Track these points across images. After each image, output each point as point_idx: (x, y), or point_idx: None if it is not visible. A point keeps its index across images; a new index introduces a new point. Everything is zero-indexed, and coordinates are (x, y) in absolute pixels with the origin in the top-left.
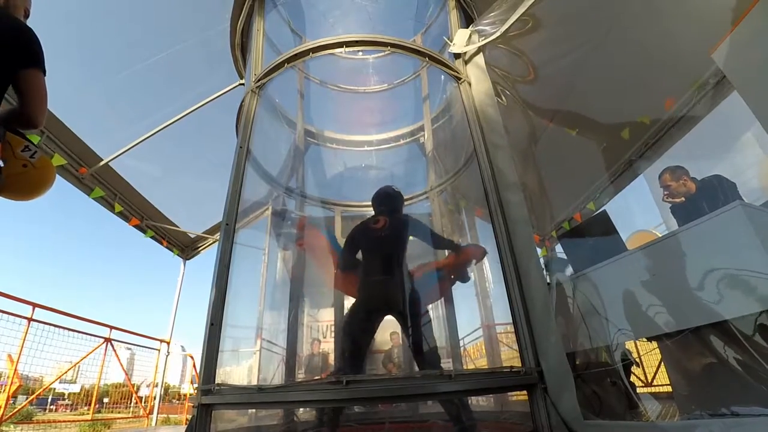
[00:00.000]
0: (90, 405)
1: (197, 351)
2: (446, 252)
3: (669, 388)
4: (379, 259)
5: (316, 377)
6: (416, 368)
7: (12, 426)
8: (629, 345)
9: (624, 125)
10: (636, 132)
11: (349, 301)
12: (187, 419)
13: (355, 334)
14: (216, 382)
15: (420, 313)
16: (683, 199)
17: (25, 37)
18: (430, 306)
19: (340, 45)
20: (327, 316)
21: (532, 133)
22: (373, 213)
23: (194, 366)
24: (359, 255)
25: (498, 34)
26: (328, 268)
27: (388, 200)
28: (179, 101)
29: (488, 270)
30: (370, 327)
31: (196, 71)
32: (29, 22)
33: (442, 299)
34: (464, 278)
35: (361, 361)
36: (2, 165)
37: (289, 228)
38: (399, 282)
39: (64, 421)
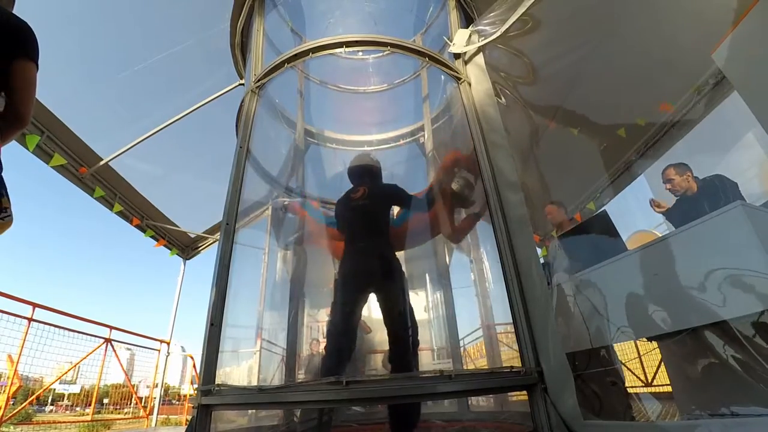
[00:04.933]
0: (90, 405)
1: (197, 351)
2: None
3: (669, 388)
4: (359, 230)
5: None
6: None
7: (12, 426)
8: (629, 345)
9: (623, 125)
10: (633, 132)
11: None
12: (187, 420)
13: (341, 309)
14: (216, 382)
15: (402, 289)
16: (666, 208)
17: (18, 27)
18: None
19: (340, 45)
20: (327, 316)
21: (533, 133)
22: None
23: (194, 366)
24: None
25: (498, 34)
26: (324, 244)
27: (364, 170)
28: (179, 101)
29: (488, 270)
30: (354, 300)
31: (196, 71)
32: (21, 12)
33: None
34: (460, 197)
35: (351, 342)
36: None
37: (288, 221)
38: (382, 255)
39: (64, 422)
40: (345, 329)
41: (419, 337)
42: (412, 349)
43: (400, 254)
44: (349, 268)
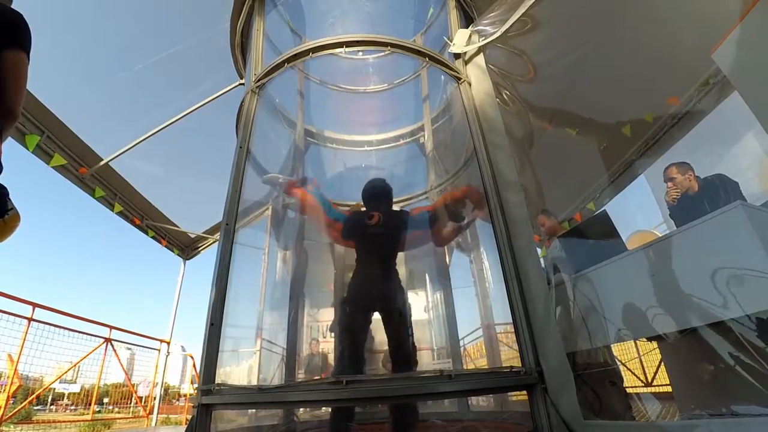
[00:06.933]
0: (90, 405)
1: (197, 351)
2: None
3: (669, 388)
4: (371, 256)
5: (316, 377)
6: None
7: (12, 426)
8: (629, 345)
9: (624, 123)
10: (638, 129)
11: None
12: (187, 419)
13: (349, 331)
14: (216, 382)
15: (407, 315)
16: (677, 196)
17: (11, 16)
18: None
19: (340, 45)
20: (327, 316)
21: (532, 132)
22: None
23: (194, 366)
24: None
25: (498, 34)
26: (320, 225)
27: (381, 195)
28: (179, 101)
29: (488, 270)
30: (362, 323)
31: (196, 71)
32: (21, 11)
33: (438, 246)
34: (458, 217)
35: (359, 358)
36: None
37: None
38: (389, 280)
39: (64, 422)
40: (355, 349)
41: (417, 339)
42: (412, 350)
43: (399, 256)
44: (360, 291)
